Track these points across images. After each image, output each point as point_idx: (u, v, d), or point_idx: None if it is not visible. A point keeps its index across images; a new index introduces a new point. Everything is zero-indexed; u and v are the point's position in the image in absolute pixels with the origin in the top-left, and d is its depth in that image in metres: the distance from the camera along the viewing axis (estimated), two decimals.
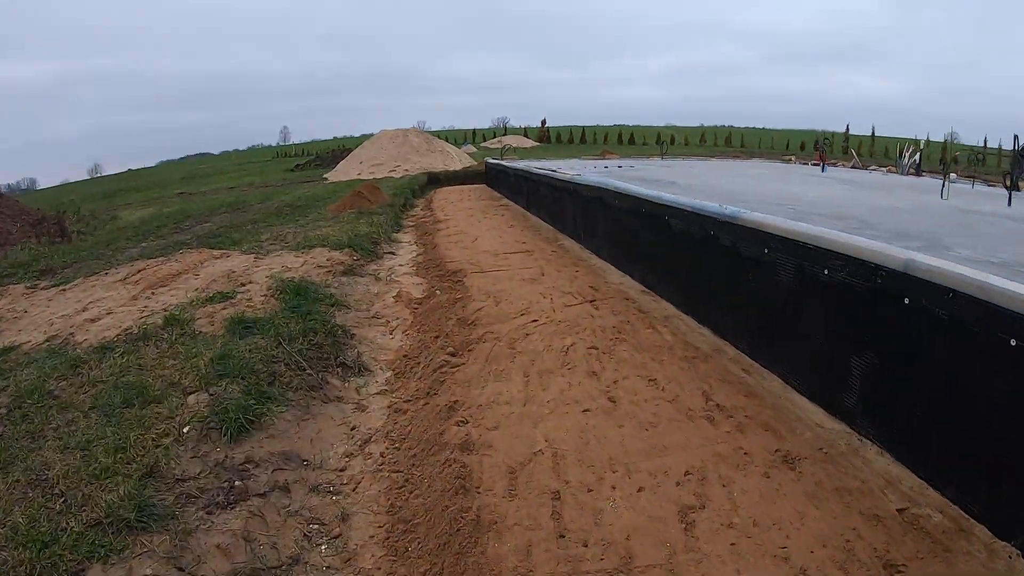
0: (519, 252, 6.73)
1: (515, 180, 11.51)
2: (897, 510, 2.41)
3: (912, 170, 14.14)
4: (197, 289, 5.44)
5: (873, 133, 31.62)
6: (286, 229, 9.31)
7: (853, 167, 17.43)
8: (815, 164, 17.86)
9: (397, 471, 2.63)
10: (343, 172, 21.49)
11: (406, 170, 19.99)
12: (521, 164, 11.88)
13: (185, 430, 2.95)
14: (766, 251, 3.14)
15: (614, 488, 2.29)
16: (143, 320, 4.60)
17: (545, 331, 3.91)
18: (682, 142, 36.85)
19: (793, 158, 21.18)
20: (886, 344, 2.58)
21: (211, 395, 3.27)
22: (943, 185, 6.68)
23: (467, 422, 2.76)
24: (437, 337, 4.13)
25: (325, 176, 22.08)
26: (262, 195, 16.88)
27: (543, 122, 42.06)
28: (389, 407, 3.36)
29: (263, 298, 5.06)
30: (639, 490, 2.29)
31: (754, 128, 44.98)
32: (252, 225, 10.22)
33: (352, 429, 3.19)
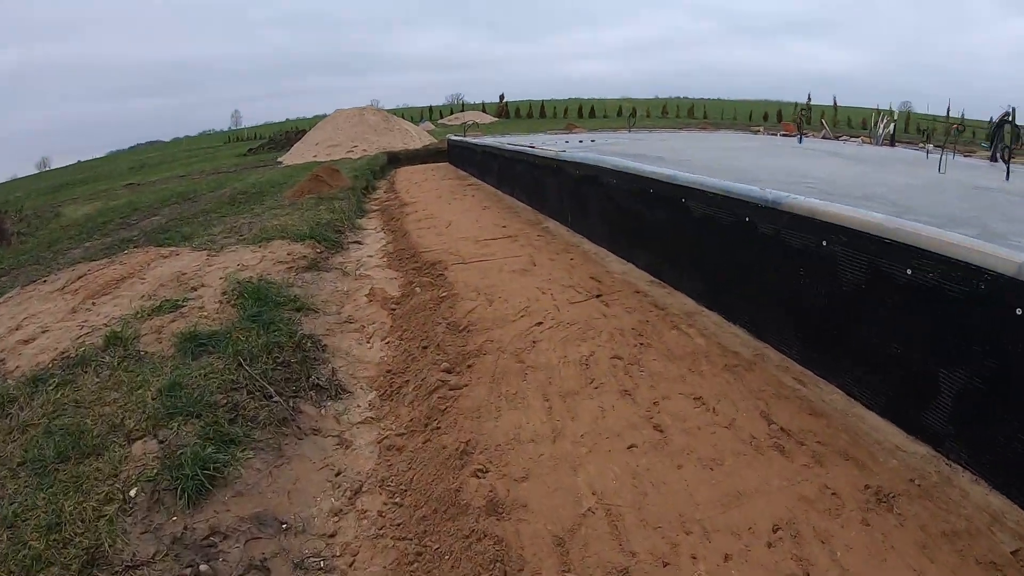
0: (502, 238, 6.13)
1: (483, 158, 10.82)
2: (1011, 552, 2.01)
3: (886, 140, 14.11)
4: (143, 296, 4.68)
5: (835, 104, 31.95)
6: (241, 220, 8.44)
7: (824, 137, 17.40)
8: (784, 135, 17.77)
9: (404, 538, 2.06)
10: (298, 155, 20.25)
11: (364, 150, 18.95)
12: (489, 140, 11.18)
13: (132, 493, 2.32)
14: (824, 243, 2.65)
15: (695, 559, 1.78)
16: (82, 339, 3.89)
17: (554, 337, 3.36)
18: (643, 114, 36.54)
19: (761, 129, 21.07)
20: (988, 359, 2.13)
21: (161, 442, 2.62)
22: (941, 159, 6.41)
23: (487, 471, 2.19)
24: (426, 348, 3.53)
25: (279, 160, 20.77)
26: (214, 182, 15.65)
27: (501, 97, 41.04)
28: (379, 442, 2.76)
29: (217, 305, 4.34)
30: (726, 559, 1.79)
31: (713, 99, 45.05)
32: (204, 217, 9.28)
33: (337, 474, 2.59)
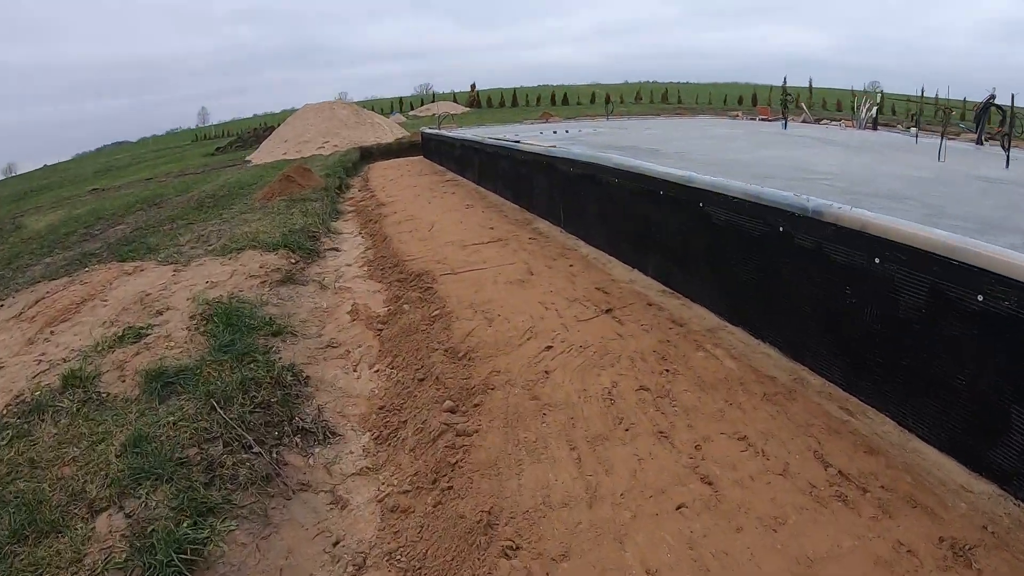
0: (491, 242, 5.77)
1: (463, 152, 10.39)
2: None
3: (868, 123, 14.07)
4: (105, 323, 4.24)
5: (811, 86, 32.07)
6: (209, 227, 7.93)
7: (804, 122, 17.35)
8: (763, 119, 17.67)
9: None
10: (267, 152, 19.49)
11: (335, 146, 18.30)
12: (468, 134, 10.76)
13: None
14: (877, 261, 2.37)
15: None
16: (38, 378, 3.47)
17: (569, 364, 3.03)
18: (617, 100, 36.32)
19: (740, 114, 20.99)
20: None
21: (128, 515, 2.23)
22: (940, 147, 6.25)
23: (517, 547, 1.85)
24: (422, 379, 3.17)
25: (248, 158, 19.98)
26: (181, 185, 14.92)
27: (473, 87, 40.33)
28: (379, 500, 2.40)
29: (185, 332, 3.92)
30: None
31: (684, 83, 44.96)
32: (170, 224, 8.73)
33: (335, 544, 2.23)
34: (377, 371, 3.55)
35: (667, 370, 2.87)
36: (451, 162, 11.61)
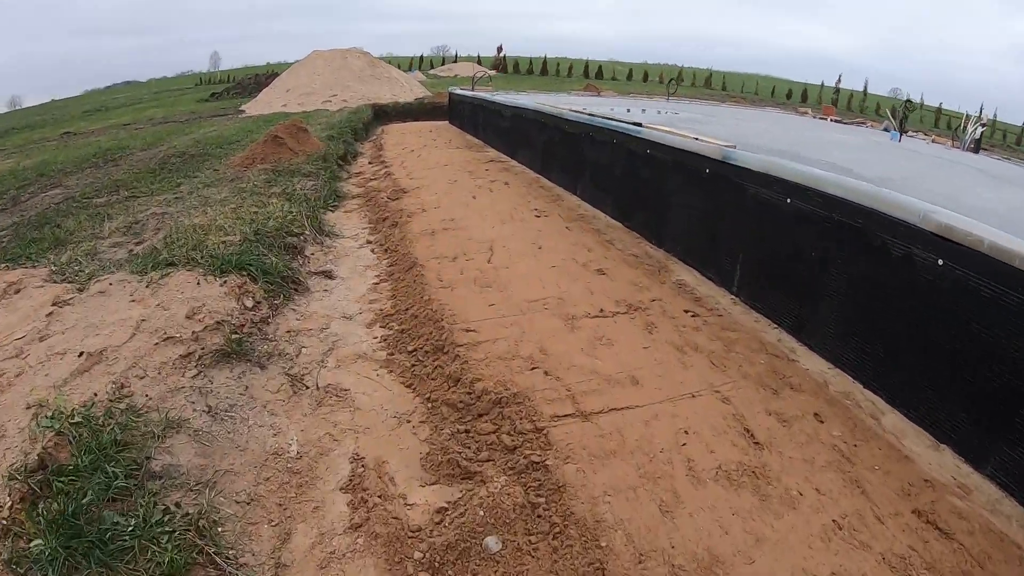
0: (619, 313, 3.19)
1: (516, 126, 7.76)
2: None
3: (972, 145, 11.56)
4: None
5: (865, 89, 29.06)
6: (151, 208, 5.44)
7: (886, 129, 14.62)
8: (836, 120, 14.95)
9: None
10: (264, 103, 16.69)
11: (344, 101, 15.56)
12: (523, 100, 8.08)
13: None
14: None
15: None
16: None
17: None
18: (656, 79, 33.19)
19: (809, 111, 18.22)
20: None
21: None
22: None
23: None
24: None
25: (243, 108, 17.16)
26: (154, 136, 12.22)
27: (499, 49, 36.95)
28: None
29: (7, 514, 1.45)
30: None
31: (722, 71, 41.52)
32: (107, 197, 6.18)
33: None
34: None
35: None
36: (494, 136, 8.97)
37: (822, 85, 31.11)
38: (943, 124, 26.49)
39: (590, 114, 5.24)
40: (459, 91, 12.52)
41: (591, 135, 5.25)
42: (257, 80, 24.71)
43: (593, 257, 3.97)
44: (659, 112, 7.38)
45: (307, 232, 4.78)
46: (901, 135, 10.59)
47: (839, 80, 29.84)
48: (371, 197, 6.10)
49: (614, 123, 4.73)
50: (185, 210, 5.15)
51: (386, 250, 4.49)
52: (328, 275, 4.15)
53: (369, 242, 4.79)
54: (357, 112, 12.85)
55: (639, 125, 4.38)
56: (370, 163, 8.26)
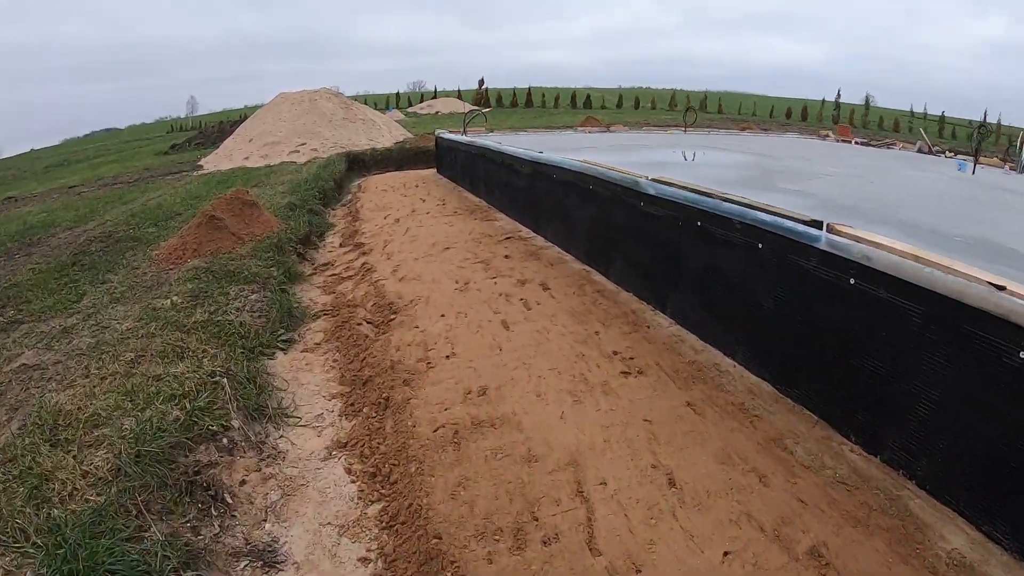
0: None
1: (538, 185, 5.70)
2: None
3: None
4: None
5: (867, 103, 27.72)
6: (23, 354, 3.31)
7: (921, 151, 12.84)
8: (859, 143, 13.14)
9: None
10: (224, 156, 14.58)
11: (314, 150, 13.52)
12: (554, 156, 5.99)
13: None
14: None
15: None
16: None
17: None
18: (647, 105, 31.73)
19: (829, 134, 16.48)
20: None
21: None
22: None
23: None
24: None
25: (201, 162, 14.99)
26: (89, 206, 9.95)
27: (481, 82, 35.40)
28: None
29: None
30: None
31: (718, 92, 40.26)
32: None
33: None
34: None
35: None
36: (503, 196, 6.90)
37: (823, 102, 29.76)
38: (961, 135, 25.06)
39: (698, 191, 3.13)
40: (448, 135, 10.52)
41: (698, 223, 3.14)
42: (221, 128, 22.67)
43: (789, 513, 1.83)
44: (689, 157, 5.36)
45: (235, 425, 2.60)
46: (975, 166, 8.62)
47: (839, 95, 28.45)
48: (344, 321, 3.93)
49: (758, 213, 2.63)
50: (64, 364, 3.00)
51: (375, 475, 2.32)
52: (269, 561, 1.97)
53: (342, 445, 2.60)
54: (328, 165, 10.76)
55: (816, 225, 2.29)
56: (342, 245, 6.12)
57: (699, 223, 3.14)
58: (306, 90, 16.96)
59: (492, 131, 11.56)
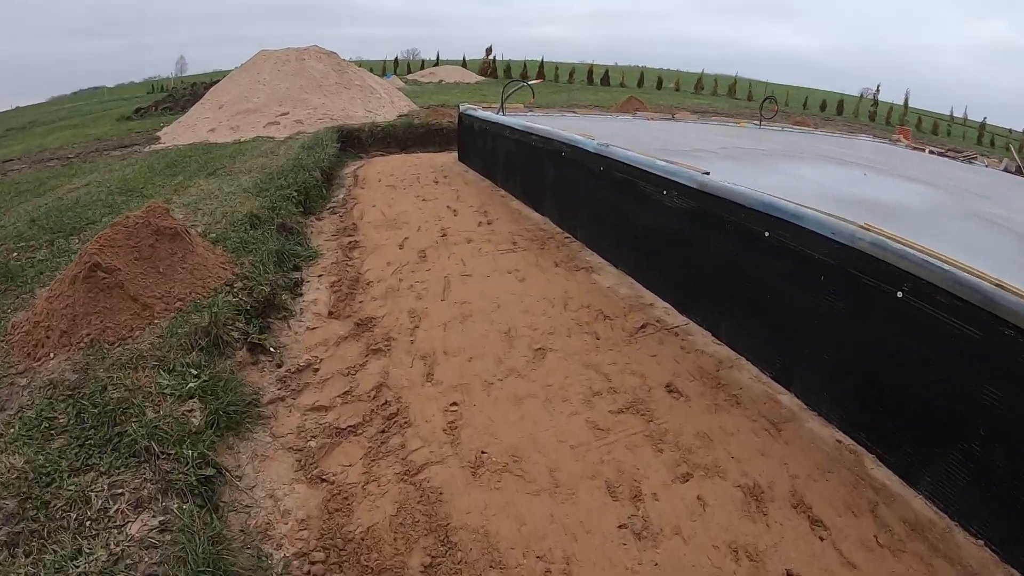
0: None
1: (697, 229, 3.11)
2: None
3: None
4: None
5: (906, 101, 24.99)
6: None
7: (1006, 170, 10.20)
8: (933, 152, 10.51)
9: None
10: (188, 125, 11.56)
11: (299, 121, 10.63)
12: (745, 193, 3.30)
13: None
14: None
15: None
16: None
17: None
18: (672, 87, 28.84)
19: (900, 137, 13.87)
20: None
21: None
22: None
23: None
24: None
25: (160, 133, 11.88)
26: (17, 190, 6.97)
27: (488, 50, 32.16)
28: None
29: None
30: None
31: (748, 79, 37.20)
32: None
33: None
34: None
35: None
36: (613, 235, 4.25)
37: (860, 96, 27.15)
38: (985, 141, 22.51)
39: None
40: (479, 113, 7.77)
41: None
42: (194, 91, 19.43)
43: None
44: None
45: None
46: None
47: (877, 90, 25.72)
48: None
49: None
50: None
51: None
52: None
53: None
54: (315, 145, 7.95)
55: None
56: (331, 314, 3.40)
57: None
58: (291, 48, 13.91)
59: (531, 110, 8.82)
